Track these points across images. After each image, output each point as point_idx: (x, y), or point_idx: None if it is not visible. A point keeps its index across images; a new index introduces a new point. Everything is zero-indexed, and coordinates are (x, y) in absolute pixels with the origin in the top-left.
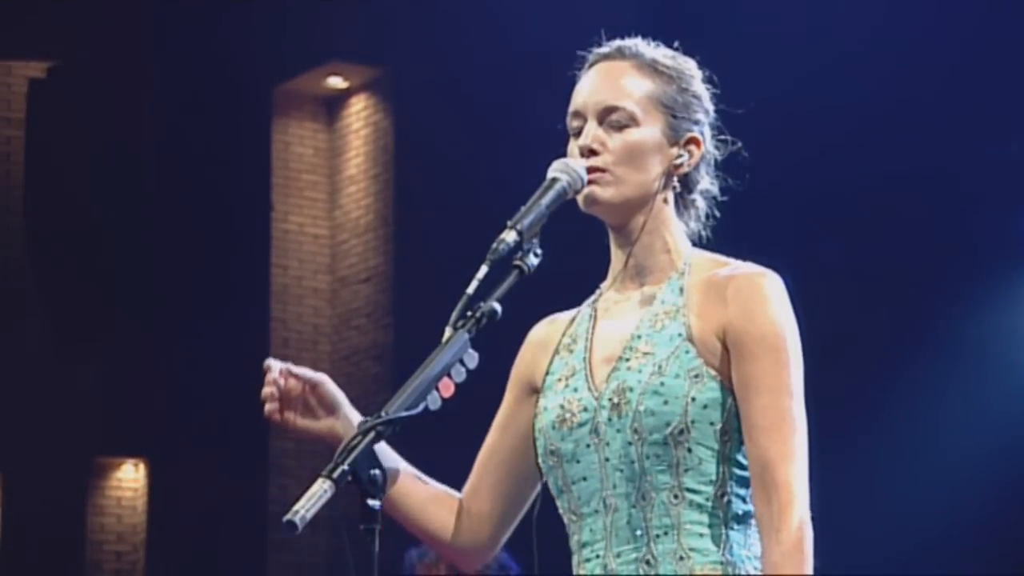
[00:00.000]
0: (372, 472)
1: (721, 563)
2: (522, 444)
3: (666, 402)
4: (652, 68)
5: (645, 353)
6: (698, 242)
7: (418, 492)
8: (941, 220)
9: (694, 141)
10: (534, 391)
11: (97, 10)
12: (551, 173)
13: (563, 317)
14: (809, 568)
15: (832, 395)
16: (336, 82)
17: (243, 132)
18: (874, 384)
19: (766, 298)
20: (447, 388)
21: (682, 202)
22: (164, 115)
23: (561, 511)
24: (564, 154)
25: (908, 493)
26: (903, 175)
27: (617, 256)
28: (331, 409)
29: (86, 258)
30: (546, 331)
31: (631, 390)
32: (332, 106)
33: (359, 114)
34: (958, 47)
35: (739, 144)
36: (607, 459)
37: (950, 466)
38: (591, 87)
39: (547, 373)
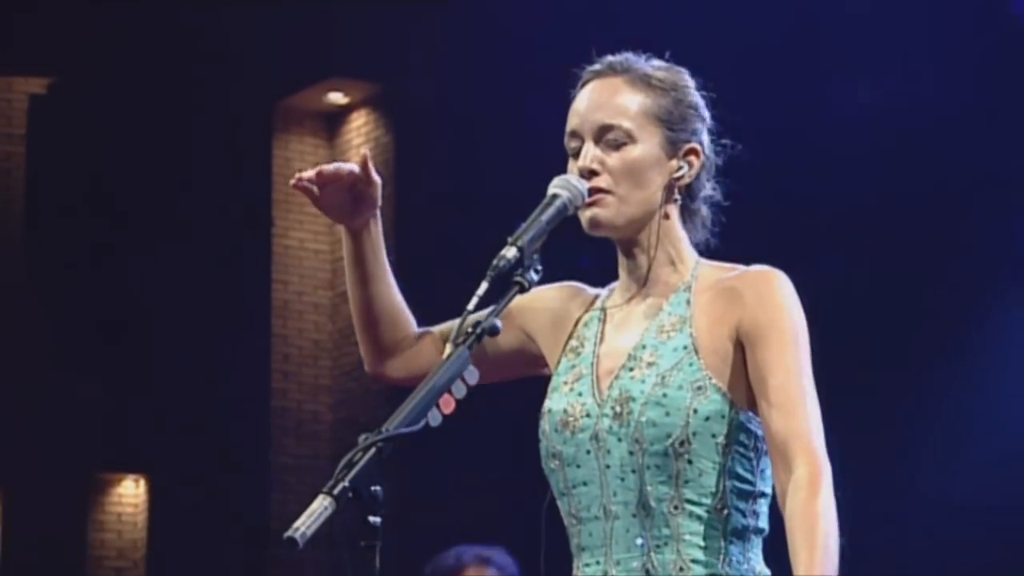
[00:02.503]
0: (373, 489)
1: None
2: (480, 349)
3: (668, 413)
4: (645, 82)
5: (649, 363)
6: (706, 250)
7: (391, 304)
8: (955, 224)
9: (693, 151)
10: (521, 331)
11: (97, 26)
12: (551, 189)
13: (586, 296)
14: (837, 532)
15: (848, 403)
16: (336, 98)
17: (244, 148)
18: (888, 392)
19: (775, 290)
20: (448, 404)
21: (686, 212)
22: (164, 131)
23: (563, 514)
24: (566, 170)
25: (916, 505)
26: (911, 180)
27: (623, 268)
28: (361, 211)
29: (87, 273)
30: (565, 303)
31: (633, 400)
32: (333, 122)
33: (360, 130)
34: (967, 52)
35: (739, 147)
36: (607, 466)
37: (960, 476)
38: (585, 106)
39: (555, 374)
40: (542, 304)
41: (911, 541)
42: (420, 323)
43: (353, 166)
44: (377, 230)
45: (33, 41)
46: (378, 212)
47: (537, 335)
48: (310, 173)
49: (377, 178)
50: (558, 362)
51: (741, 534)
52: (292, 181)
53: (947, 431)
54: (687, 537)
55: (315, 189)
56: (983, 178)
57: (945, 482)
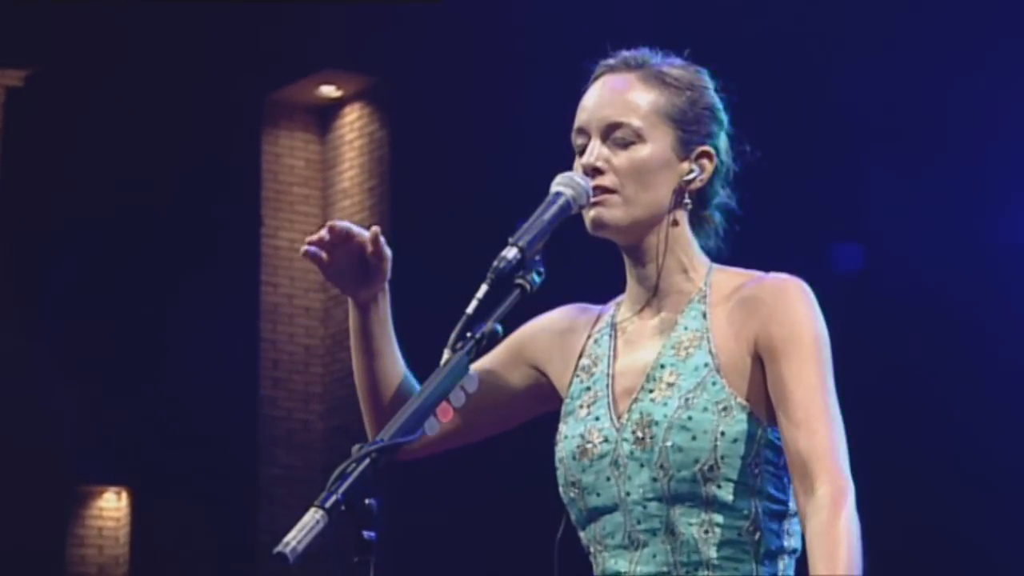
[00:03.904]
0: (367, 501)
1: None
2: (486, 396)
3: (694, 437)
4: (659, 80)
5: (670, 384)
6: (718, 257)
7: (395, 382)
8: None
9: (706, 155)
10: (529, 367)
11: (77, 17)
12: (554, 187)
13: (591, 315)
14: (860, 556)
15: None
16: (329, 91)
17: (231, 143)
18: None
19: (793, 301)
20: (445, 413)
21: (697, 218)
22: (148, 125)
23: (584, 540)
24: (569, 166)
25: (929, 508)
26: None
27: (632, 277)
28: (373, 284)
29: (66, 274)
30: (570, 324)
31: (656, 423)
32: (325, 116)
33: (353, 124)
34: (980, 43)
35: (759, 154)
36: (628, 493)
37: (985, 476)
38: (595, 102)
39: (567, 397)
40: (546, 329)
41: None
42: (419, 323)
43: (363, 231)
44: (385, 303)
45: (10, 33)
46: (387, 285)
47: (547, 364)
48: (320, 234)
49: (388, 252)
50: (569, 383)
51: (774, 556)
52: (302, 250)
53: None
54: (719, 562)
55: (324, 255)
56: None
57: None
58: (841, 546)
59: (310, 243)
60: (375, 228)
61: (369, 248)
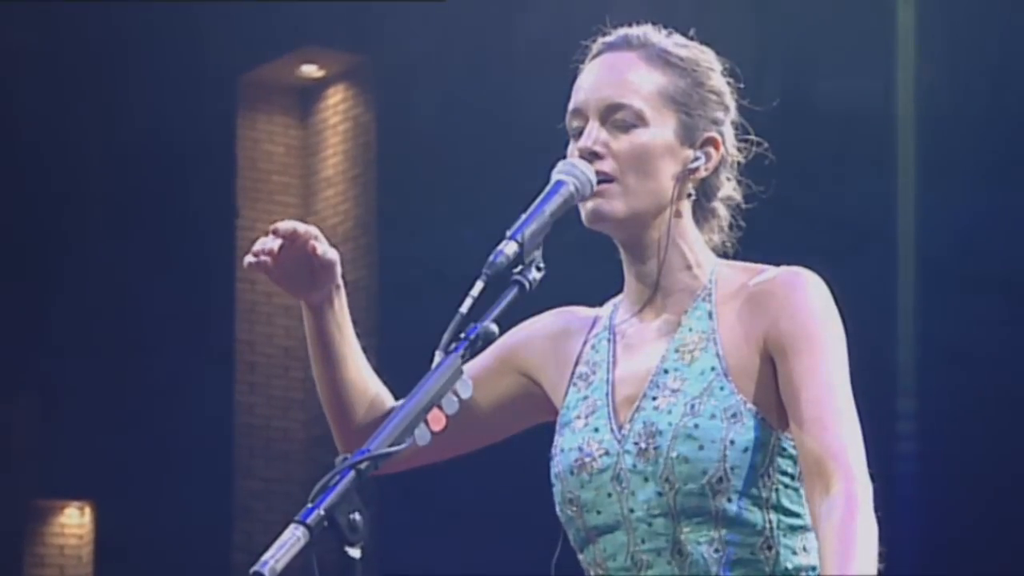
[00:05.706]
0: (351, 516)
1: None
2: (472, 407)
3: (701, 447)
4: (663, 59)
5: (674, 390)
6: (723, 255)
7: (361, 392)
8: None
9: (712, 142)
10: (520, 375)
11: None
12: (555, 176)
13: (587, 318)
14: (876, 557)
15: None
16: (310, 70)
17: (204, 127)
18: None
19: (803, 295)
20: (437, 421)
21: (701, 211)
22: (114, 108)
23: (585, 564)
24: (563, 152)
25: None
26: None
27: (631, 275)
28: (323, 285)
29: (21, 270)
30: (564, 328)
31: (660, 433)
32: (306, 98)
33: (336, 107)
34: (990, 45)
35: (765, 144)
36: (631, 510)
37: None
38: (593, 82)
39: (563, 407)
40: (539, 335)
41: None
42: (409, 323)
43: (310, 230)
44: (340, 304)
45: None
46: (341, 284)
47: (540, 372)
48: (268, 245)
49: (333, 255)
50: (565, 393)
51: (790, 575)
52: (246, 262)
53: None
54: None
55: (269, 260)
56: None
57: None
58: (855, 545)
59: (255, 254)
60: (312, 242)
61: (313, 253)
